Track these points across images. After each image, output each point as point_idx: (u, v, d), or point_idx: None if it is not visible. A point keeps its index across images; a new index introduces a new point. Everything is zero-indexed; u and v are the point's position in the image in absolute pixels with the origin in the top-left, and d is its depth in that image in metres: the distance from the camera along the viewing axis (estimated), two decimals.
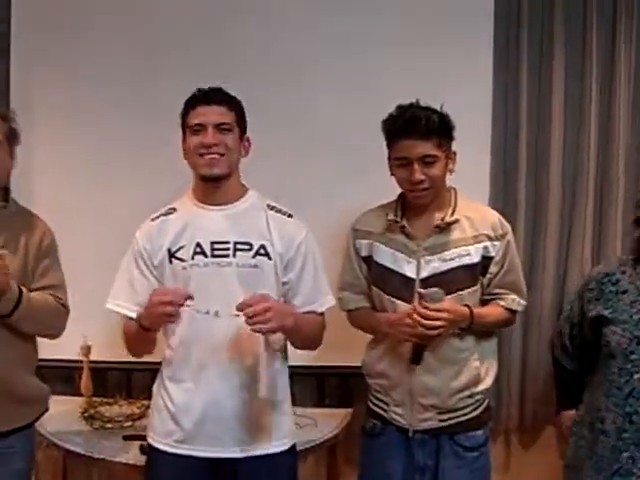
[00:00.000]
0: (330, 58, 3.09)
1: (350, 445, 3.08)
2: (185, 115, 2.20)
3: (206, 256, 2.13)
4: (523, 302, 2.46)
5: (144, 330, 2.09)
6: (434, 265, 2.29)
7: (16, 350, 2.28)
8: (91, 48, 3.15)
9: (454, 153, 2.33)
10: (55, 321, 2.36)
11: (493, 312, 2.39)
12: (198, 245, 2.14)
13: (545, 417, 3.24)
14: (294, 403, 2.91)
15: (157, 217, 2.25)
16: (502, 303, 2.40)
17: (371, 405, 2.51)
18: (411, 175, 2.24)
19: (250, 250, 2.14)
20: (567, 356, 2.42)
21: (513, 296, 2.41)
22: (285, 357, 2.28)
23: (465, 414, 2.37)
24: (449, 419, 2.36)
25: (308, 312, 2.23)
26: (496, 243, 2.33)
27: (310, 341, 2.26)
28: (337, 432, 2.91)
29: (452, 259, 2.29)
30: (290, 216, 2.24)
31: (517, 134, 3.14)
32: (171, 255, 2.16)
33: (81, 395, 3.11)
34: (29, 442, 2.40)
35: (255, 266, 2.14)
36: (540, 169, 3.17)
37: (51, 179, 3.22)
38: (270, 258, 2.15)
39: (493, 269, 2.35)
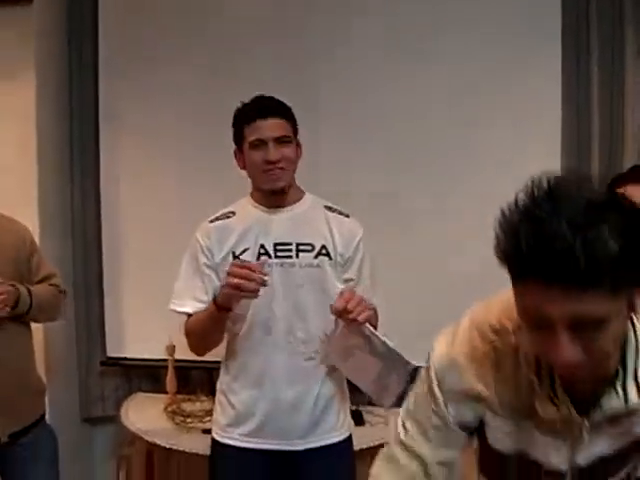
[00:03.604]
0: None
1: None
2: (240, 128, 2.19)
3: (270, 257, 2.18)
4: None
5: (220, 311, 2.12)
6: (596, 449, 1.32)
7: (27, 343, 2.54)
8: (169, 63, 3.30)
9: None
10: (59, 306, 2.67)
11: None
12: (262, 247, 2.19)
13: None
14: (369, 403, 2.99)
15: (215, 219, 2.29)
16: None
17: None
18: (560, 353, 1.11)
19: (312, 251, 2.21)
20: None
21: None
22: None
23: None
24: None
25: None
26: None
27: None
28: None
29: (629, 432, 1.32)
30: (347, 216, 2.29)
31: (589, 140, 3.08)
32: (235, 258, 2.20)
33: (166, 392, 3.27)
34: (50, 430, 2.61)
35: (317, 266, 2.20)
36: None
37: (138, 186, 3.40)
38: (331, 258, 2.22)
39: None
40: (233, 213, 2.29)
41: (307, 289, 2.20)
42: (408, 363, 2.01)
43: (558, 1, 3.00)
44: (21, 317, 2.44)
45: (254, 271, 1.99)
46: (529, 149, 2.97)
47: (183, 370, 3.33)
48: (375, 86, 3.14)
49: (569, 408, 1.23)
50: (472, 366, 1.30)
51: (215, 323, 2.19)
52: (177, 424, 3.00)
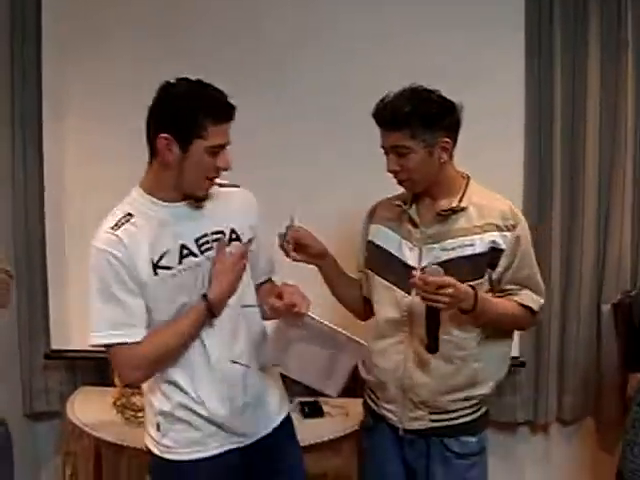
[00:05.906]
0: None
1: None
2: (194, 119, 1.85)
3: (196, 255, 1.97)
4: (540, 300, 2.23)
5: (211, 316, 1.97)
6: (435, 254, 2.15)
7: None
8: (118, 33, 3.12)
9: (446, 141, 2.11)
10: (5, 292, 2.42)
11: (503, 303, 2.18)
12: (183, 247, 1.96)
13: (584, 408, 3.16)
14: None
15: (117, 226, 1.92)
16: (515, 298, 2.19)
17: (367, 399, 2.41)
18: (387, 165, 2.16)
19: (224, 237, 2.04)
20: None
21: (527, 292, 2.20)
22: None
23: (458, 417, 2.23)
24: (441, 420, 2.22)
25: (266, 281, 2.24)
26: (506, 234, 2.14)
27: None
28: None
29: (453, 249, 2.14)
30: (237, 186, 2.13)
31: (551, 119, 3.09)
32: (155, 266, 1.93)
33: (114, 385, 3.11)
34: None
35: (231, 253, 2.03)
36: (575, 156, 3.12)
37: (84, 165, 3.20)
38: (240, 240, 2.06)
39: (503, 263, 2.15)
40: (131, 215, 1.95)
41: None
42: (359, 342, 1.99)
43: None
44: None
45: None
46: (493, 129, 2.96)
47: None
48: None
49: (415, 221, 2.20)
50: (380, 204, 2.38)
51: (198, 329, 1.99)
52: (127, 419, 2.87)
